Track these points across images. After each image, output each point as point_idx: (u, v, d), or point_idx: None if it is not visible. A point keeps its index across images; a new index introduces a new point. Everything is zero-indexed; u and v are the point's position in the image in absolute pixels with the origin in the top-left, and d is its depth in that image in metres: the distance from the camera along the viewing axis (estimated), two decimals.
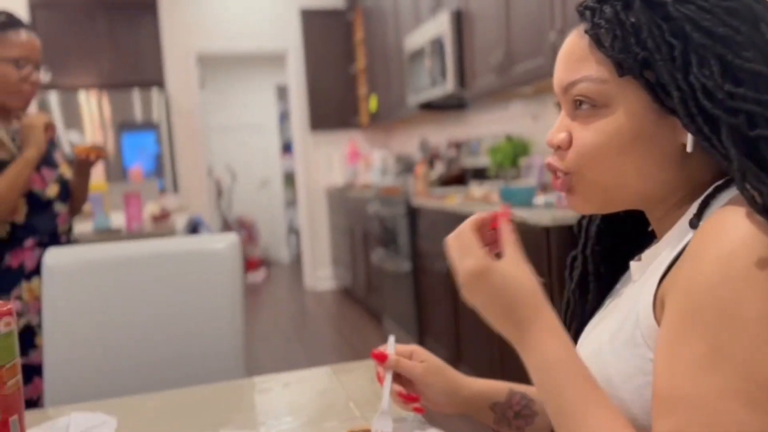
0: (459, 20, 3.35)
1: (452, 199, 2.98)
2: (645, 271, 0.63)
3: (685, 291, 0.51)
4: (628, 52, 0.58)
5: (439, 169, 4.09)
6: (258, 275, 6.67)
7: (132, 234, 2.44)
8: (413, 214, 3.43)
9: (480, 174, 3.66)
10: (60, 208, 1.75)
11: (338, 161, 5.76)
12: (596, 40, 0.61)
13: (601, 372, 0.61)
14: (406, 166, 4.69)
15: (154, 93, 5.01)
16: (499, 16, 2.92)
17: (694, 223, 0.58)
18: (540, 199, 2.41)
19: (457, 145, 4.07)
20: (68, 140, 4.15)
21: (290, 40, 5.63)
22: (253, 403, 1.02)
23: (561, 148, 0.65)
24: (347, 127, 5.79)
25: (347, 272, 5.20)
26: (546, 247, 2.08)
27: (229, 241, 1.40)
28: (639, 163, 0.60)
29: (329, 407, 0.94)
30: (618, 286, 0.75)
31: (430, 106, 4.02)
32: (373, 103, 5.17)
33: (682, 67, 0.56)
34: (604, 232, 0.76)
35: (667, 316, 0.53)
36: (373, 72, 5.17)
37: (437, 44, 3.49)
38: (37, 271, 1.63)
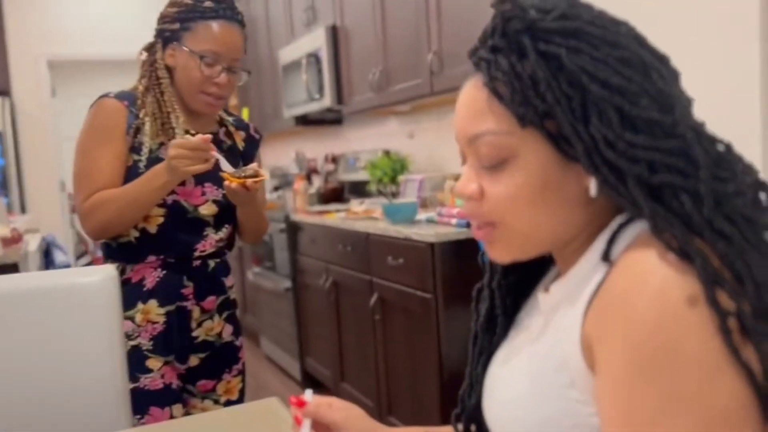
0: (335, 35, 3.35)
1: (333, 215, 2.97)
2: (556, 306, 0.64)
3: (623, 342, 0.52)
4: (528, 104, 0.59)
5: (317, 183, 4.06)
6: None
7: None
8: (293, 230, 3.37)
9: (358, 188, 3.68)
10: (211, 233, 1.48)
11: None
12: (495, 93, 0.61)
13: (527, 417, 0.61)
14: (283, 180, 4.60)
15: None
16: (377, 35, 2.96)
17: (606, 257, 0.59)
18: (422, 215, 2.46)
19: (334, 159, 4.06)
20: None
21: None
22: None
23: (473, 199, 0.65)
24: None
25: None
26: (431, 263, 2.13)
27: (106, 273, 1.27)
28: (550, 209, 0.62)
29: None
30: (521, 314, 0.76)
31: (305, 120, 3.99)
32: (245, 116, 5.02)
33: (582, 118, 0.57)
34: (510, 266, 0.77)
35: (609, 369, 0.53)
36: (244, 83, 5.03)
37: (313, 58, 3.47)
38: (157, 292, 1.42)
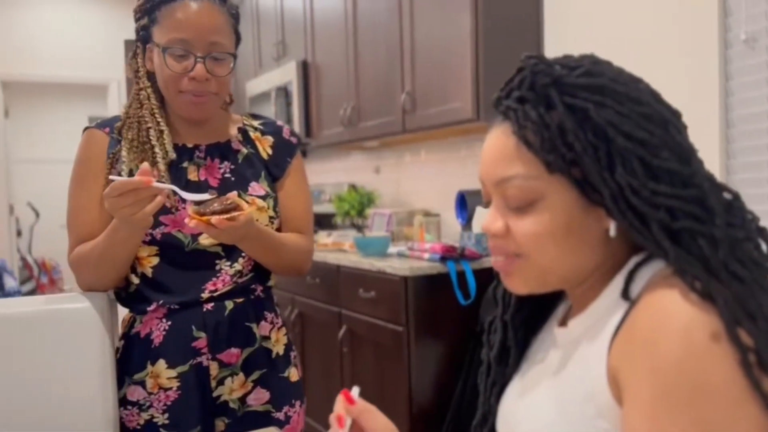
0: (306, 70, 3.41)
1: None
2: (577, 340, 0.70)
3: (651, 376, 0.56)
4: (556, 152, 0.64)
5: None
6: None
7: None
8: None
9: (324, 221, 3.71)
10: (224, 265, 1.19)
11: None
12: (524, 141, 0.67)
13: None
14: None
15: None
16: (349, 72, 3.04)
17: (625, 295, 0.65)
18: (392, 248, 2.51)
19: None
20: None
21: (112, 71, 5.27)
22: None
23: (498, 236, 0.70)
24: None
25: None
26: (404, 295, 2.17)
27: (97, 300, 1.26)
28: (572, 247, 0.67)
29: None
30: (533, 348, 0.81)
31: None
32: None
33: (608, 166, 0.64)
34: (523, 301, 0.82)
35: (637, 402, 0.58)
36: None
37: (282, 91, 3.52)
38: (165, 349, 1.17)
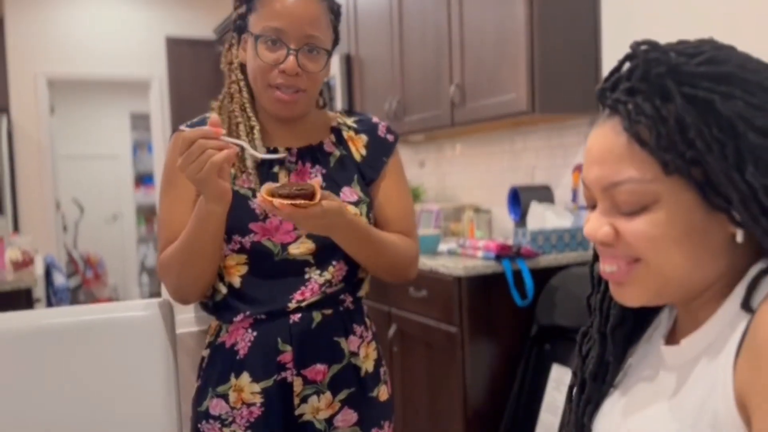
0: (349, 64, 3.36)
1: None
2: (695, 359, 0.63)
3: None
4: (675, 150, 0.57)
5: None
6: None
7: None
8: None
9: None
10: (314, 274, 1.12)
11: None
12: (637, 138, 0.59)
13: None
14: None
15: None
16: (394, 65, 2.97)
17: (746, 306, 0.58)
18: (442, 246, 2.44)
19: None
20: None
21: (154, 68, 5.31)
22: None
23: (607, 243, 0.63)
24: None
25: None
26: (458, 295, 2.10)
27: (155, 307, 1.23)
28: (693, 252, 0.60)
29: None
30: (633, 364, 0.74)
31: None
32: None
33: (736, 166, 0.56)
34: (627, 313, 0.75)
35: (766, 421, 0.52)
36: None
37: (325, 86, 3.47)
38: (249, 362, 1.10)
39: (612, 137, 0.62)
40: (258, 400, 1.10)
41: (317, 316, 1.12)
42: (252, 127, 1.12)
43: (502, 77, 2.32)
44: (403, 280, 1.21)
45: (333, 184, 1.15)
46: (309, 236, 1.11)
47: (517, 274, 2.13)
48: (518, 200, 2.42)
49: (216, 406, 1.12)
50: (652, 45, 0.62)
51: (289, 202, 0.94)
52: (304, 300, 1.11)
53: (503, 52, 2.31)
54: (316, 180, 1.11)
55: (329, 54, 1.13)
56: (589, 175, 0.64)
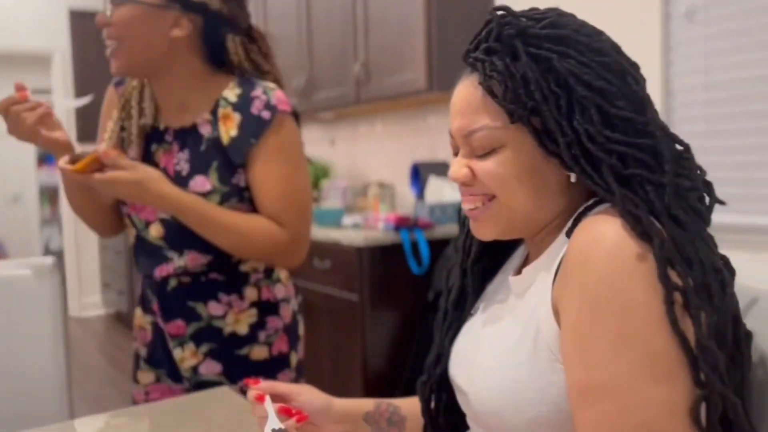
0: None
1: None
2: (529, 286, 0.73)
3: (580, 291, 0.60)
4: (519, 102, 0.66)
5: None
6: None
7: None
8: None
9: None
10: (175, 256, 1.13)
11: None
12: (489, 91, 0.68)
13: (506, 381, 0.68)
14: None
15: None
16: (301, 42, 3.00)
17: (569, 235, 0.68)
18: (348, 220, 2.52)
19: None
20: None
21: (56, 41, 5.07)
22: None
23: (465, 184, 0.73)
24: None
25: (121, 297, 4.79)
26: (359, 265, 2.19)
27: (43, 265, 1.25)
28: (535, 191, 0.70)
29: None
30: (487, 294, 0.84)
31: None
32: None
33: (566, 114, 0.66)
34: (484, 250, 0.85)
35: (568, 319, 0.61)
36: None
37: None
38: (141, 299, 1.25)
39: (471, 91, 0.71)
40: (149, 329, 1.24)
41: (173, 282, 1.15)
42: (142, 88, 1.17)
43: (404, 56, 2.41)
44: (281, 265, 1.16)
45: (193, 171, 1.11)
46: (160, 220, 1.12)
47: (415, 245, 2.24)
48: (419, 176, 2.54)
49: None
50: (507, 10, 0.71)
51: (73, 168, 0.99)
52: (166, 275, 1.15)
53: (404, 32, 2.40)
54: (107, 149, 1.03)
55: (143, 4, 1.05)
56: (453, 125, 0.74)
